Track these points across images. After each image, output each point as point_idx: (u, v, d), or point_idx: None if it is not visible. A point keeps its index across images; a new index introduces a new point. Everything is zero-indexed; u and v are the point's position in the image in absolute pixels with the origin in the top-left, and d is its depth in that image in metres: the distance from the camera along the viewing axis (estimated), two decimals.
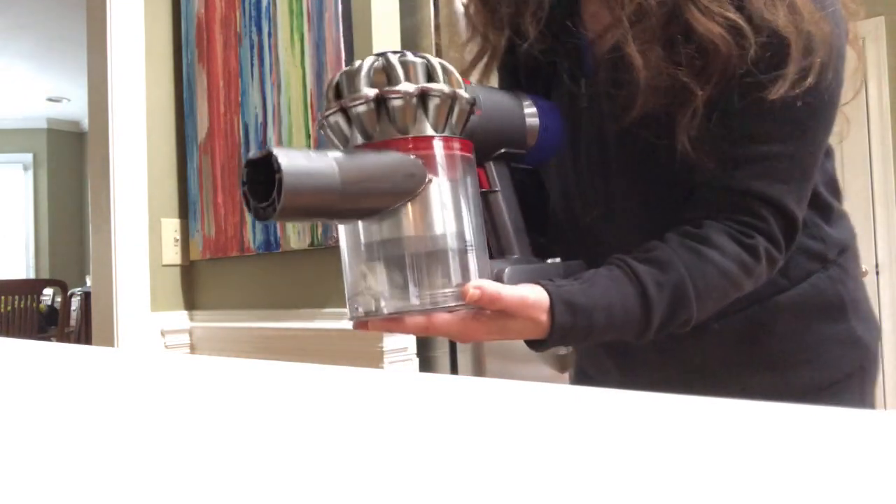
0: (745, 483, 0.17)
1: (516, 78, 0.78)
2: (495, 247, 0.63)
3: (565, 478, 0.19)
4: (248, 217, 1.64)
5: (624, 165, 0.69)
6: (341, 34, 1.44)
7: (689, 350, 0.71)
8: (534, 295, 0.56)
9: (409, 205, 0.50)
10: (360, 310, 0.52)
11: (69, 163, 6.62)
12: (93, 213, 1.74)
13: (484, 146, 0.60)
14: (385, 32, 1.46)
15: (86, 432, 0.28)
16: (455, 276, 0.52)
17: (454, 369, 1.46)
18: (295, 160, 0.44)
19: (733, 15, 0.59)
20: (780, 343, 0.69)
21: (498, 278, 0.56)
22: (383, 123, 0.50)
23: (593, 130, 0.70)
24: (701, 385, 0.71)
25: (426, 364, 1.47)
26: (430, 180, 0.51)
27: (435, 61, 0.52)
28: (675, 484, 0.18)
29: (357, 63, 0.52)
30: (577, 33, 0.71)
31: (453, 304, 0.52)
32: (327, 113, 0.52)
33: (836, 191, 0.71)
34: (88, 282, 3.85)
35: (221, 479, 0.20)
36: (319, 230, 1.48)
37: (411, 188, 0.50)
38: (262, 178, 0.45)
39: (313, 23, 1.49)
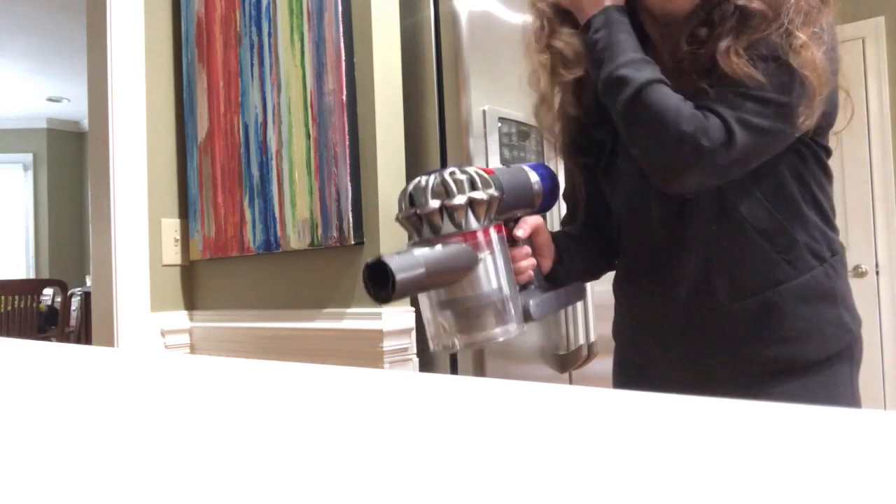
0: (745, 483, 0.17)
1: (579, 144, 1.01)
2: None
3: (565, 478, 0.19)
4: (248, 217, 1.64)
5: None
6: (341, 34, 1.44)
7: (715, 326, 0.88)
8: None
9: (468, 275, 0.73)
10: (441, 346, 0.77)
11: (69, 163, 6.62)
12: (93, 213, 1.74)
13: (507, 213, 0.83)
14: (385, 32, 1.46)
15: (86, 432, 0.28)
16: (500, 317, 0.75)
17: (454, 369, 1.46)
18: (399, 263, 0.65)
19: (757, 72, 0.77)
20: (787, 321, 0.85)
21: (526, 310, 0.79)
22: (445, 221, 0.74)
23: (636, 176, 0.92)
24: (724, 356, 0.88)
25: (426, 364, 1.47)
26: (480, 258, 0.73)
27: (474, 173, 0.75)
28: (675, 484, 0.18)
29: (422, 180, 0.75)
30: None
31: (502, 338, 0.75)
32: (406, 214, 0.75)
33: (833, 209, 0.90)
34: (88, 282, 3.84)
35: (222, 478, 0.20)
36: (319, 231, 1.48)
37: (470, 267, 0.73)
38: (375, 273, 0.65)
39: (313, 23, 1.49)
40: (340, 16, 1.44)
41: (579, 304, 1.63)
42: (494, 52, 1.54)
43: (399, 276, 0.64)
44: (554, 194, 0.90)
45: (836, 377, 0.85)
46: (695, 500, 0.16)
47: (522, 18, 1.65)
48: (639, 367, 1.00)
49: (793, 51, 0.77)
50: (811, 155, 0.86)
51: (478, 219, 0.74)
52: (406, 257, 0.66)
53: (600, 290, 1.61)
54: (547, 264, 0.90)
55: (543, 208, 0.90)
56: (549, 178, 0.90)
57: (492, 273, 0.74)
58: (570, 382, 1.65)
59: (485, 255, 0.74)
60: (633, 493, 0.17)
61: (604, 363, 1.63)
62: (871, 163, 2.98)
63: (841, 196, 3.00)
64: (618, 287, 1.03)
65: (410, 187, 0.76)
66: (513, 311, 0.76)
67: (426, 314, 0.77)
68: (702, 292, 0.88)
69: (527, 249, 0.85)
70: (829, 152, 0.88)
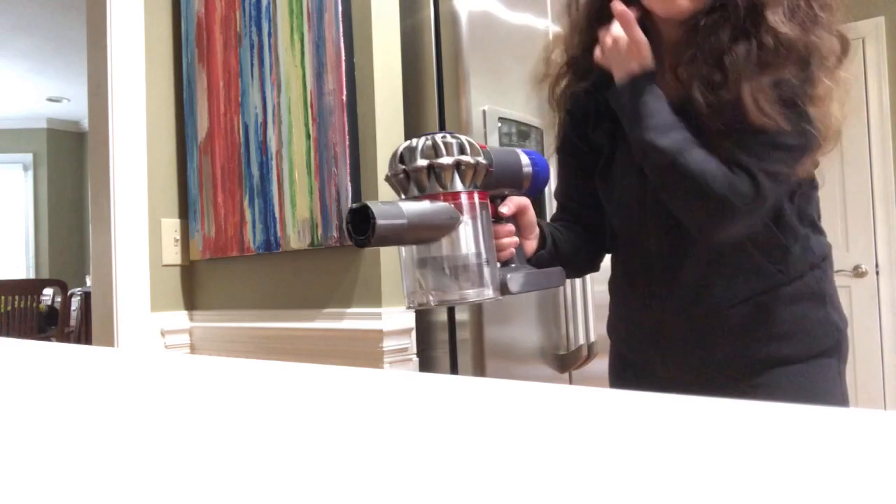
0: (745, 483, 0.17)
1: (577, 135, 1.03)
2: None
3: (565, 477, 0.19)
4: (248, 217, 1.64)
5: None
6: (341, 34, 1.44)
7: (709, 329, 0.92)
8: None
9: (449, 235, 0.75)
10: (416, 303, 0.77)
11: (69, 163, 6.61)
12: (93, 213, 1.74)
13: (494, 189, 0.84)
14: (385, 32, 1.46)
15: (86, 432, 0.28)
16: (476, 280, 0.76)
17: (454, 369, 1.46)
18: (382, 210, 0.68)
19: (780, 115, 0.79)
20: (781, 322, 0.89)
21: (504, 283, 0.80)
22: (432, 182, 0.75)
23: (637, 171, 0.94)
24: (723, 356, 0.92)
25: (426, 364, 1.47)
26: (462, 220, 0.75)
27: (465, 140, 0.76)
28: (674, 483, 0.18)
29: (414, 141, 0.76)
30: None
31: (473, 300, 0.76)
32: (395, 172, 0.77)
33: (819, 216, 0.95)
34: (88, 282, 3.84)
35: (222, 478, 0.20)
36: (319, 231, 1.48)
37: (451, 225, 0.75)
38: (358, 219, 0.69)
39: (313, 23, 1.49)
40: (340, 16, 1.44)
41: (579, 304, 1.63)
42: (494, 52, 1.54)
43: (380, 222, 0.67)
44: (542, 180, 0.92)
45: (823, 369, 0.90)
46: (693, 500, 0.16)
47: (522, 18, 1.65)
48: (635, 365, 1.03)
49: (811, 99, 0.79)
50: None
51: (464, 182, 0.76)
52: (390, 206, 0.70)
53: (600, 290, 1.61)
54: (531, 245, 0.91)
55: (531, 192, 0.91)
56: (539, 164, 0.91)
57: (471, 237, 0.76)
58: (570, 382, 1.65)
59: (466, 218, 0.76)
60: (633, 492, 0.17)
61: (604, 363, 1.63)
62: (871, 163, 2.97)
63: (841, 196, 3.00)
64: (613, 288, 1.05)
65: (401, 147, 0.77)
66: (489, 277, 0.77)
67: (404, 271, 0.78)
68: (698, 299, 0.92)
69: (510, 227, 0.86)
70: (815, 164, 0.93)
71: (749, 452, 0.20)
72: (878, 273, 2.94)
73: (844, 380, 0.93)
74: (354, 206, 0.69)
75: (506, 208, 0.85)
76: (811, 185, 0.92)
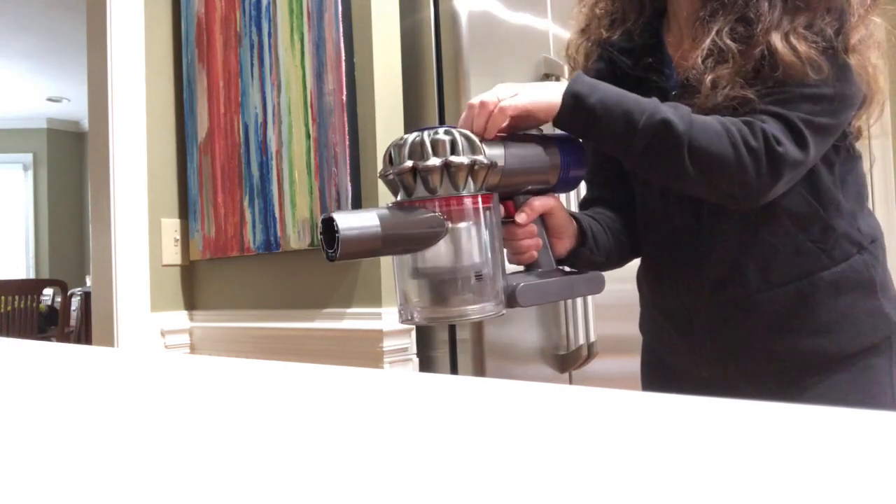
0: (746, 483, 0.17)
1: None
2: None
3: (565, 477, 0.19)
4: (248, 217, 1.64)
5: None
6: (341, 34, 1.44)
7: (743, 319, 0.83)
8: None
9: (437, 245, 0.67)
10: (403, 316, 0.70)
11: (69, 163, 6.61)
12: (93, 213, 1.74)
13: (511, 187, 0.77)
14: (385, 32, 1.46)
15: (86, 432, 0.28)
16: (469, 297, 0.68)
17: (454, 369, 1.46)
18: (349, 221, 0.62)
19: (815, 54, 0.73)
20: (822, 312, 0.80)
21: (511, 295, 0.71)
22: (419, 186, 0.68)
23: None
24: (757, 351, 0.83)
25: (426, 364, 1.47)
26: (449, 229, 0.67)
27: (459, 136, 0.68)
28: (674, 484, 0.18)
29: (404, 137, 0.69)
30: (662, 57, 0.89)
31: (470, 318, 0.68)
32: (382, 173, 0.70)
33: (866, 191, 0.86)
34: (88, 282, 3.84)
35: (222, 478, 0.20)
36: (319, 231, 1.48)
37: (433, 237, 0.67)
38: (329, 231, 0.63)
39: (313, 23, 1.49)
40: (340, 16, 1.44)
41: (579, 304, 1.63)
42: (494, 52, 1.54)
43: (344, 234, 0.62)
44: (574, 175, 0.80)
45: (872, 373, 0.80)
46: (694, 500, 0.16)
47: (522, 18, 1.65)
48: (666, 363, 0.96)
49: (848, 48, 0.74)
50: (840, 137, 0.82)
51: (456, 185, 0.67)
52: (361, 217, 0.63)
53: None
54: (565, 245, 0.82)
55: (561, 186, 0.81)
56: (571, 151, 0.79)
57: (465, 246, 0.67)
58: (570, 382, 1.65)
59: (463, 225, 0.67)
60: (632, 493, 0.17)
61: (604, 363, 1.63)
62: (871, 162, 2.98)
63: None
64: (641, 278, 0.99)
65: (391, 144, 0.70)
66: (490, 291, 0.68)
67: (396, 280, 0.71)
68: (730, 283, 0.84)
69: (531, 227, 0.78)
70: (858, 132, 0.85)
71: (749, 453, 0.20)
72: None
73: (893, 380, 0.82)
74: (323, 216, 0.63)
75: (522, 216, 0.76)
76: (850, 152, 0.84)
